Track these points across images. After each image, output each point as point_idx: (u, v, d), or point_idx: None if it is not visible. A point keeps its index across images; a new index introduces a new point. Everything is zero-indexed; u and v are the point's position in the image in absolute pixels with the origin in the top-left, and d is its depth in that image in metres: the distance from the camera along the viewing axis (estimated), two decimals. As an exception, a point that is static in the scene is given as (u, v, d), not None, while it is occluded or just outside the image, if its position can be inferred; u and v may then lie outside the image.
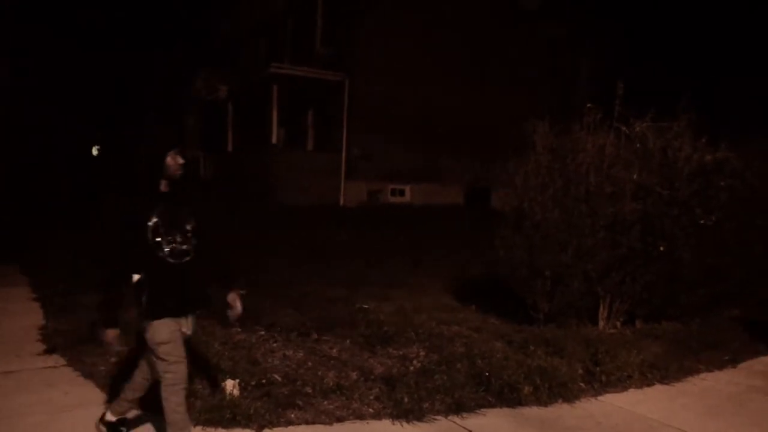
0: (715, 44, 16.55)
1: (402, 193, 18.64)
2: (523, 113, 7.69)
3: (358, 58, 17.58)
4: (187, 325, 3.72)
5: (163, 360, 3.50)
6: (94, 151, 25.30)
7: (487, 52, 18.44)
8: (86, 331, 5.79)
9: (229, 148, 21.52)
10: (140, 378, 3.89)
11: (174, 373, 3.51)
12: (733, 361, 6.51)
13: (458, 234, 12.47)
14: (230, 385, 4.57)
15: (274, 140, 18.04)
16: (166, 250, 3.54)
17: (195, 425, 4.11)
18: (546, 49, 19.29)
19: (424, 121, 17.67)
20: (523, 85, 18.48)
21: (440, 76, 17.90)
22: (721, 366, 6.36)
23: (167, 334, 3.51)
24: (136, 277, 3.53)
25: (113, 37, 23.04)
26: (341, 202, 17.65)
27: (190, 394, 4.46)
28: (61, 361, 5.49)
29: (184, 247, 3.63)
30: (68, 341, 5.82)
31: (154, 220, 3.51)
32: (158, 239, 3.52)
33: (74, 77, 22.54)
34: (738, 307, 7.97)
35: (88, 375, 5.11)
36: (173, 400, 3.51)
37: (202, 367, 4.92)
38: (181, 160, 3.66)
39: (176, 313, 3.60)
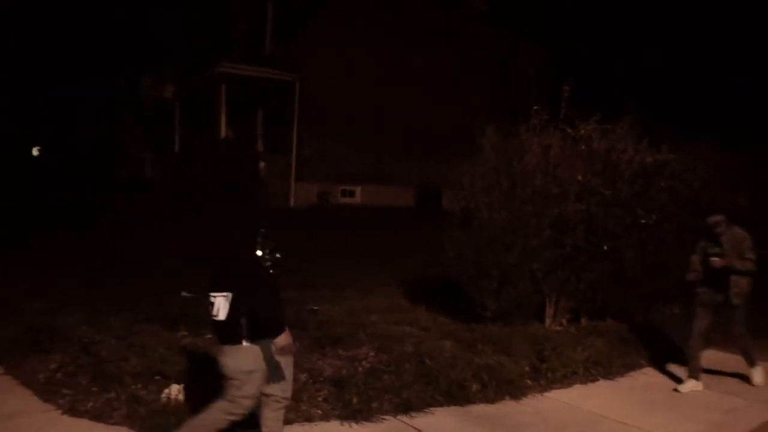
0: (656, 49, 17.06)
1: (352, 194, 18.62)
2: (473, 115, 7.78)
3: (308, 58, 17.49)
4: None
5: (243, 387, 3.16)
6: (35, 152, 24.50)
7: (438, 55, 18.58)
8: (26, 338, 5.60)
9: (177, 148, 21.12)
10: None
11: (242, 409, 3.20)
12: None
13: (409, 235, 12.51)
14: (175, 390, 4.47)
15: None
16: (268, 262, 3.18)
17: (137, 432, 4.03)
18: (495, 52, 19.55)
19: (376, 122, 17.70)
20: (473, 87, 18.69)
21: (391, 78, 17.95)
22: (663, 361, 6.57)
23: (254, 362, 3.13)
24: (224, 295, 3.12)
25: (55, 33, 22.33)
26: (291, 203, 17.52)
27: (133, 400, 4.37)
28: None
29: (278, 255, 3.27)
30: (6, 349, 5.61)
31: (262, 230, 3.20)
32: (260, 251, 3.15)
33: (11, 75, 21.71)
34: (678, 304, 8.23)
35: (28, 383, 4.92)
36: (216, 420, 3.21)
37: (146, 372, 4.81)
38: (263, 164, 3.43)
39: (278, 332, 3.16)
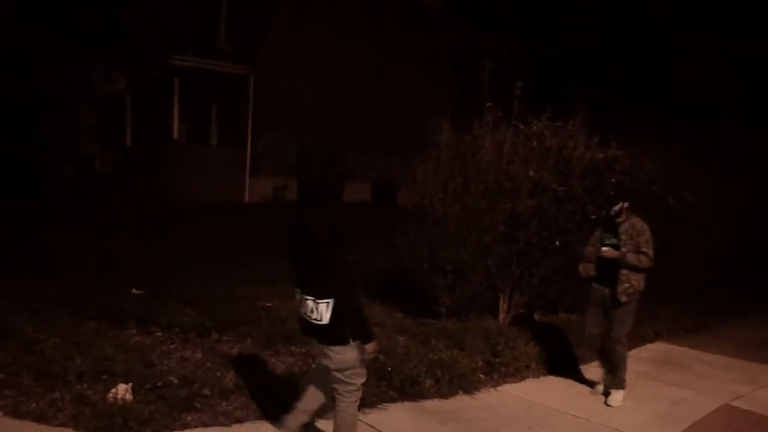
0: (607, 47, 17.39)
1: (309, 189, 18.47)
2: (429, 111, 7.79)
3: (263, 52, 17.26)
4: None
5: (353, 378, 3.52)
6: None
7: (393, 50, 18.56)
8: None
9: (128, 142, 20.63)
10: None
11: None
12: (624, 349, 6.88)
13: (364, 230, 12.45)
14: (122, 390, 4.35)
15: (175, 135, 17.41)
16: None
17: (82, 433, 3.91)
18: (451, 48, 19.64)
19: (331, 117, 17.59)
20: (429, 83, 18.74)
21: (347, 73, 17.87)
22: (612, 354, 6.71)
23: (358, 357, 3.46)
24: (327, 301, 3.36)
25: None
26: (246, 198, 17.29)
27: (78, 400, 4.24)
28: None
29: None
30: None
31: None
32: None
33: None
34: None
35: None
36: (350, 411, 3.58)
37: (92, 372, 4.67)
38: None
39: (369, 339, 3.47)
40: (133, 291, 7.44)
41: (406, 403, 4.95)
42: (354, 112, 17.76)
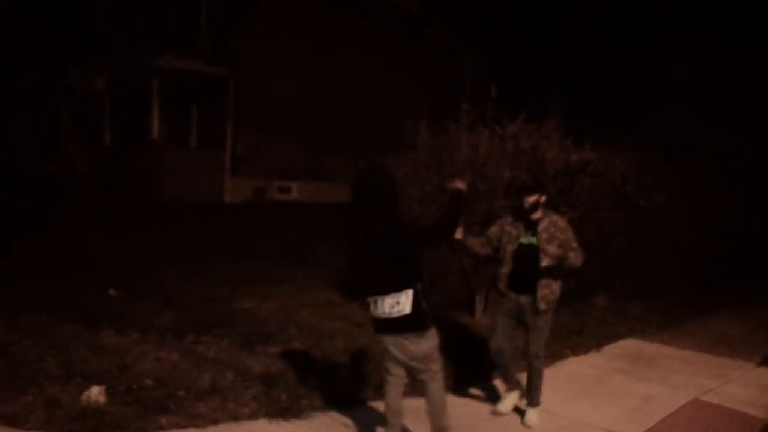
0: (583, 51, 17.56)
1: (289, 190, 18.47)
2: (408, 112, 7.85)
3: (243, 53, 17.22)
4: None
5: (437, 360, 3.82)
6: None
7: (373, 52, 18.59)
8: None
9: (107, 142, 20.46)
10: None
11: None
12: (597, 346, 7.02)
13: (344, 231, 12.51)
14: (95, 392, 4.35)
15: (154, 135, 17.32)
16: None
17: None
18: (429, 50, 19.70)
19: (313, 118, 17.57)
20: (408, 84, 18.79)
21: (328, 75, 17.87)
22: (586, 350, 6.84)
23: (436, 339, 3.82)
24: (407, 292, 3.67)
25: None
26: (226, 199, 17.24)
27: (50, 403, 4.24)
28: None
29: None
30: None
31: None
32: None
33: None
34: (601, 295, 8.57)
35: None
36: (442, 390, 3.90)
37: (65, 374, 4.67)
38: None
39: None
40: (110, 292, 7.41)
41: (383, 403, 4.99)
42: (334, 112, 17.77)
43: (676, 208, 8.81)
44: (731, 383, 6.08)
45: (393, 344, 3.78)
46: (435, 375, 3.83)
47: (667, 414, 5.22)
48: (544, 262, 4.53)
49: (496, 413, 4.97)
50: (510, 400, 5.03)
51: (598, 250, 7.44)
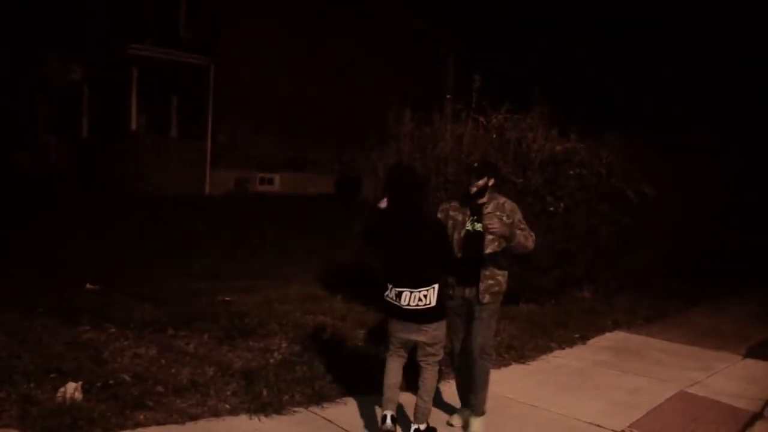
0: (570, 42, 17.56)
1: (271, 182, 18.32)
2: (391, 103, 7.74)
3: (224, 42, 17.03)
4: None
5: (443, 348, 4.10)
6: None
7: (357, 41, 18.45)
8: None
9: (84, 133, 20.15)
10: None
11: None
12: (583, 338, 6.98)
13: (328, 223, 12.41)
14: (71, 389, 4.22)
15: (133, 126, 17.07)
16: None
17: (28, 434, 3.77)
18: (414, 40, 19.60)
19: (295, 109, 17.41)
20: (392, 75, 18.67)
21: (311, 64, 17.71)
22: (572, 343, 6.81)
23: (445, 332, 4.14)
24: (434, 286, 3.92)
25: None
26: (207, 191, 17.05)
27: (25, 400, 4.10)
28: None
29: None
30: None
31: None
32: None
33: None
34: (587, 288, 8.55)
35: None
36: (436, 376, 4.11)
37: (40, 370, 4.53)
38: None
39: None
40: (88, 286, 7.27)
41: (366, 397, 4.90)
42: (318, 103, 17.62)
43: (663, 200, 8.80)
44: (717, 375, 6.07)
45: (411, 329, 3.99)
46: (434, 363, 4.06)
47: (653, 407, 5.19)
48: (489, 249, 4.18)
49: (449, 424, 4.50)
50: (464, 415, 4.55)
51: (584, 241, 7.42)
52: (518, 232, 4.15)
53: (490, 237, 4.16)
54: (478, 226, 4.20)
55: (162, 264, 8.72)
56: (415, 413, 4.08)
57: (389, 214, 4.03)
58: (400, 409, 4.23)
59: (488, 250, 4.20)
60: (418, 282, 3.90)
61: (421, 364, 4.06)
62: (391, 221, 4.03)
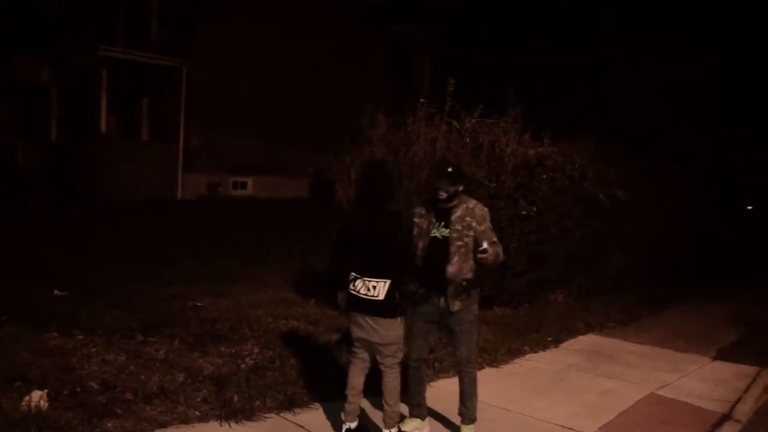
0: (543, 47, 17.73)
1: (244, 185, 18.17)
2: (365, 106, 7.72)
3: (196, 44, 16.85)
4: None
5: (400, 350, 4.07)
6: None
7: (332, 46, 18.41)
8: None
9: (53, 136, 19.79)
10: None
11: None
12: (556, 342, 7.02)
13: (301, 227, 12.31)
14: (36, 397, 4.12)
15: (103, 128, 16.79)
16: None
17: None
18: (388, 44, 19.63)
19: (269, 111, 17.30)
20: (366, 78, 18.68)
21: (284, 68, 17.61)
22: (545, 347, 6.84)
23: (402, 330, 4.08)
24: (385, 280, 3.94)
25: None
26: (179, 195, 16.84)
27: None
28: None
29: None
30: None
31: None
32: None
33: None
34: (560, 291, 8.60)
35: None
36: (398, 378, 4.08)
37: (5, 379, 4.41)
38: None
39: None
40: (56, 292, 7.12)
41: (338, 402, 4.85)
42: (291, 106, 17.53)
43: (635, 203, 8.90)
44: (687, 377, 6.15)
45: (363, 326, 4.01)
46: (394, 363, 4.05)
47: (623, 409, 5.24)
48: (455, 258, 4.05)
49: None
50: (414, 424, 4.42)
51: (557, 244, 7.46)
52: (486, 244, 3.95)
53: (457, 244, 4.06)
54: (445, 232, 4.08)
55: (132, 269, 8.57)
56: (383, 419, 4.12)
57: (357, 204, 4.16)
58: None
59: (454, 259, 4.06)
60: (369, 271, 3.96)
61: (380, 367, 4.09)
62: (359, 211, 4.20)
